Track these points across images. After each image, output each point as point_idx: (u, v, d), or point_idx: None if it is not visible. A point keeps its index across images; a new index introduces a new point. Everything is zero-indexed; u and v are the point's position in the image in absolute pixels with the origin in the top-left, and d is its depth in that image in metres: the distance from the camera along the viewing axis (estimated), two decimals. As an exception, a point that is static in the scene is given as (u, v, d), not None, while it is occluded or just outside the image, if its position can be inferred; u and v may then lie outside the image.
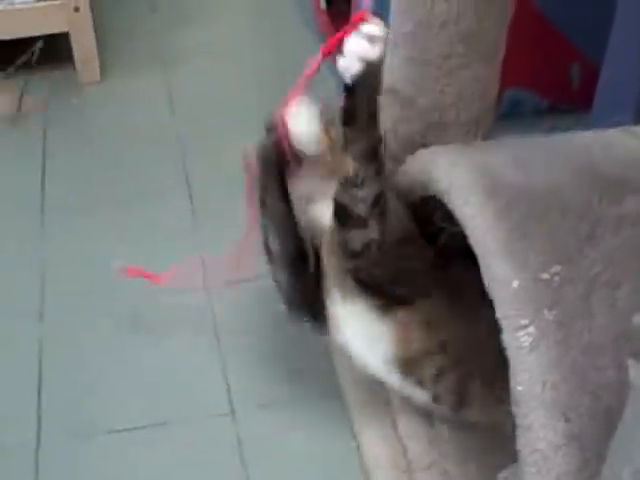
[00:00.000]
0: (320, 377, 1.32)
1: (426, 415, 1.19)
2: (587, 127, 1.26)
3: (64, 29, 1.94)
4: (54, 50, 2.03)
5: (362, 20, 0.90)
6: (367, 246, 0.94)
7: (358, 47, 0.90)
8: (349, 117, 0.93)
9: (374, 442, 1.20)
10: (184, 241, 1.59)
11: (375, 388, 1.18)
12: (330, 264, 1.04)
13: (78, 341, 1.40)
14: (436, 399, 1.04)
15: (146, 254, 1.56)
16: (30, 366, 1.35)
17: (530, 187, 0.93)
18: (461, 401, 1.03)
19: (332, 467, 1.20)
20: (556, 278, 0.84)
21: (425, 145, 1.10)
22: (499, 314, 0.84)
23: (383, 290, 1.00)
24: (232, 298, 1.46)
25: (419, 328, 1.00)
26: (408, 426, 1.20)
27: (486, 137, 1.21)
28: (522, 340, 0.83)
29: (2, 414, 1.28)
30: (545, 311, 0.83)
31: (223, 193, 1.68)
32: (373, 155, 0.93)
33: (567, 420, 0.81)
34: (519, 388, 0.83)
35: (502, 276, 0.85)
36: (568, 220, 0.88)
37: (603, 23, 1.50)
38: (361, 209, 0.93)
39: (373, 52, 0.90)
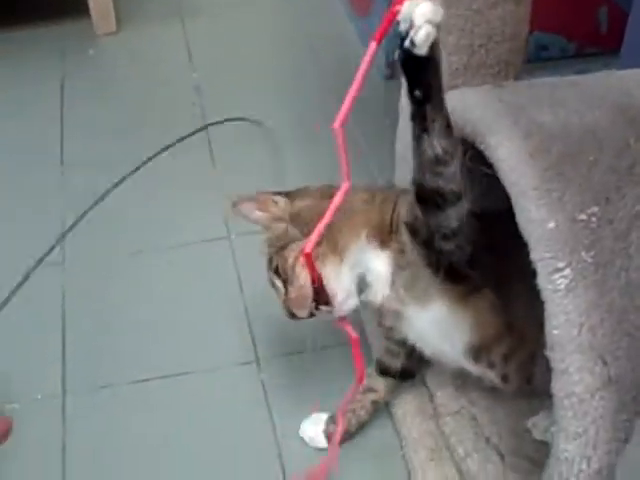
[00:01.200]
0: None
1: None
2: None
3: (79, -21, 1.92)
4: (70, 1, 2.01)
5: None
6: (462, 220, 0.90)
7: (429, 11, 0.78)
8: (428, 93, 0.84)
9: (401, 389, 1.19)
10: (204, 190, 1.58)
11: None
12: (401, 275, 1.01)
13: (100, 291, 1.41)
14: (505, 379, 1.05)
15: (166, 204, 1.56)
16: (54, 316, 1.35)
17: (565, 127, 0.90)
18: (529, 379, 1.04)
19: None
20: (593, 219, 0.82)
21: (454, 88, 1.07)
22: (534, 256, 0.82)
23: (464, 274, 0.96)
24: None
25: (490, 312, 1.00)
26: (435, 374, 1.19)
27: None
28: (558, 283, 0.81)
29: (29, 366, 1.29)
30: (582, 253, 0.81)
31: (242, 141, 1.67)
32: (451, 126, 0.87)
33: (604, 363, 0.79)
34: (555, 332, 0.81)
35: (538, 218, 0.83)
36: (605, 159, 0.85)
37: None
38: (455, 185, 0.88)
39: (440, 13, 0.79)
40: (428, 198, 0.90)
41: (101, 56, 1.96)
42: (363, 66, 0.83)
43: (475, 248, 0.93)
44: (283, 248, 1.03)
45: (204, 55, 1.93)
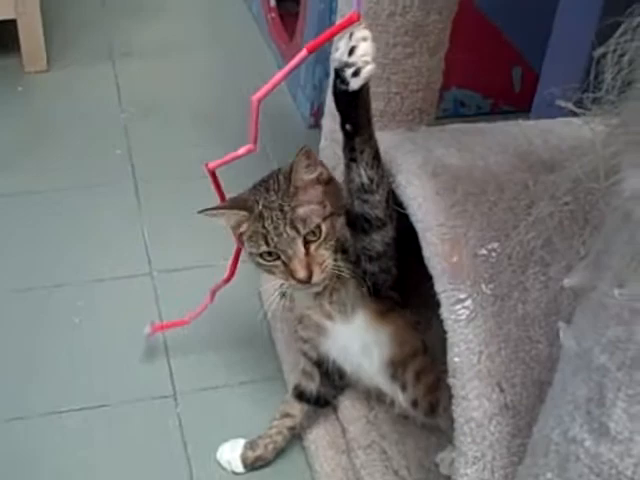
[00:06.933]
0: (262, 364, 1.34)
1: (366, 398, 1.22)
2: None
3: (12, 16, 1.92)
4: (1, 37, 2.02)
5: (354, 22, 0.85)
6: (388, 245, 0.97)
7: (369, 50, 0.84)
8: (357, 126, 0.90)
9: (314, 424, 1.22)
10: (128, 231, 1.59)
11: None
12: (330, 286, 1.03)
13: (16, 321, 1.40)
14: (414, 404, 1.10)
15: (90, 245, 1.56)
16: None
17: (470, 169, 0.96)
18: (433, 409, 1.09)
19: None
20: (493, 254, 0.87)
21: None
22: (438, 288, 0.87)
23: (386, 294, 1.02)
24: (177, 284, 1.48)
25: (408, 330, 1.06)
26: (348, 408, 1.22)
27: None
28: (460, 313, 0.85)
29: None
30: (483, 285, 0.86)
31: (169, 185, 1.70)
32: (379, 158, 0.93)
33: (501, 390, 0.84)
34: (456, 359, 0.85)
35: (442, 252, 0.88)
36: (505, 200, 0.91)
37: (544, 29, 1.56)
38: (380, 212, 0.94)
39: (375, 49, 0.86)
40: (356, 222, 0.96)
41: (29, 93, 1.96)
42: (292, 63, 0.93)
43: (399, 271, 0.99)
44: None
45: (133, 96, 1.96)
